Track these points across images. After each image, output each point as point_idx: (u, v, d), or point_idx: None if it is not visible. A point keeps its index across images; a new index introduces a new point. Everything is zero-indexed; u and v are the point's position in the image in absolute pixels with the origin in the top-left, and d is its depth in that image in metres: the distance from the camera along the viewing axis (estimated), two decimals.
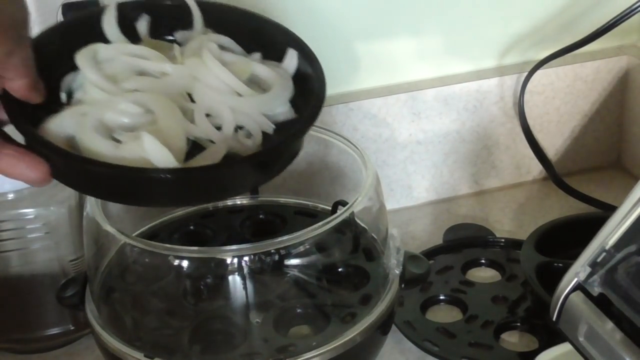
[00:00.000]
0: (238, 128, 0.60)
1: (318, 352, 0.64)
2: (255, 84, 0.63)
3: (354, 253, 0.74)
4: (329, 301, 0.69)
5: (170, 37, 0.66)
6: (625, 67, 1.02)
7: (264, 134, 0.61)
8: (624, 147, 1.06)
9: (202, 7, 0.66)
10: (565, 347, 0.66)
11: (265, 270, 0.75)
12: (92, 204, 0.68)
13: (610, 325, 0.57)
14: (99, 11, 0.63)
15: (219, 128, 0.59)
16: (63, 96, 0.61)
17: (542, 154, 1.00)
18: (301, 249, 0.75)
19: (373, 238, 0.76)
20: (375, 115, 0.95)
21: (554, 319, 0.61)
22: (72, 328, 0.79)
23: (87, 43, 0.62)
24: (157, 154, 0.55)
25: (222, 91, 0.61)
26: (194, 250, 0.67)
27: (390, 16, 0.94)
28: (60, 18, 0.83)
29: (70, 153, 0.55)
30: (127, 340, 0.65)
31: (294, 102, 0.63)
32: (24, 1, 0.53)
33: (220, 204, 0.82)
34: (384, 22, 0.94)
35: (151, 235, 0.78)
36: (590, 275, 0.59)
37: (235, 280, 0.72)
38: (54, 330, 0.79)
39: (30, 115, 0.57)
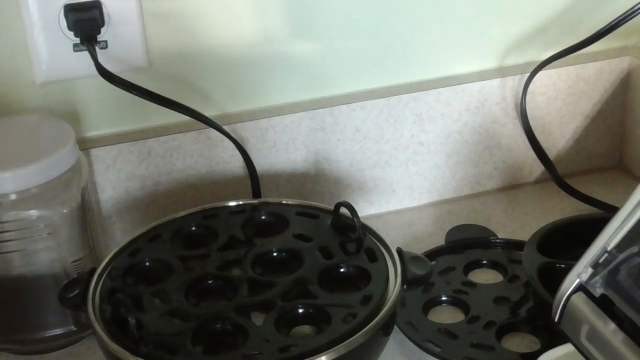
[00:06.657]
0: None
1: (320, 353, 0.64)
2: None
3: (356, 253, 0.75)
4: (330, 301, 0.69)
5: None
6: (627, 68, 1.02)
7: None
8: (625, 148, 1.06)
9: None
10: (567, 348, 0.66)
11: (268, 270, 0.75)
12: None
13: (612, 326, 0.57)
14: None
15: None
16: None
17: (544, 155, 0.99)
18: (304, 250, 0.75)
19: (376, 238, 0.76)
20: (378, 116, 0.95)
21: (556, 320, 0.61)
22: (74, 329, 0.79)
23: None
24: None
25: None
26: None
27: (392, 17, 0.94)
28: (62, 19, 0.82)
29: None
30: (129, 341, 0.65)
31: None
32: None
33: (222, 204, 0.82)
34: (386, 23, 0.94)
35: (153, 236, 0.78)
36: (592, 276, 0.59)
37: (237, 280, 0.72)
38: (56, 331, 0.79)
39: None
